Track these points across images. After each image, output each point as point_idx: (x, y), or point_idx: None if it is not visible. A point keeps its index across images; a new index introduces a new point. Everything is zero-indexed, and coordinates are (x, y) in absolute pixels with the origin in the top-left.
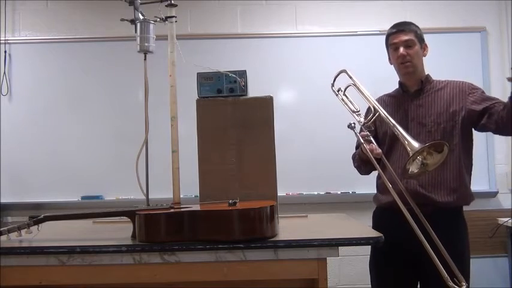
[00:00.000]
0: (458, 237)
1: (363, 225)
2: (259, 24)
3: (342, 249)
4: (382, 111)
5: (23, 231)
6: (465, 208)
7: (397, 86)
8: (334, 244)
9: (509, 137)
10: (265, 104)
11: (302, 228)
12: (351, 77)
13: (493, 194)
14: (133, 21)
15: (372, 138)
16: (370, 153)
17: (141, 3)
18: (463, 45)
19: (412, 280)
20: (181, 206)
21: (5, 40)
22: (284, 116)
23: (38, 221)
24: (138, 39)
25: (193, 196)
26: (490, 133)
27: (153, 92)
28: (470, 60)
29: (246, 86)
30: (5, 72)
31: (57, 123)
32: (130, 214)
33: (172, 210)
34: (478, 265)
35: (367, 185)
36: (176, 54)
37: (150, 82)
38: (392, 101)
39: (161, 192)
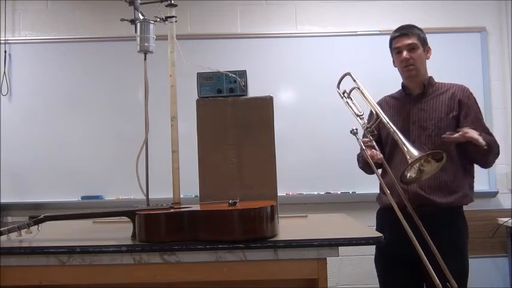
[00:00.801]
0: (459, 236)
1: (363, 225)
2: (259, 24)
3: (342, 249)
4: (384, 117)
5: (23, 231)
6: (465, 208)
7: (397, 86)
8: (334, 244)
9: (509, 137)
10: (265, 104)
11: (302, 228)
12: (354, 80)
13: (493, 194)
14: (133, 21)
15: (374, 143)
16: (371, 159)
17: (141, 3)
18: (463, 45)
19: (418, 278)
20: (181, 206)
21: (5, 40)
22: (284, 116)
23: (38, 221)
24: (138, 39)
25: (193, 196)
26: None
27: (153, 92)
28: (470, 60)
29: (246, 86)
30: (5, 72)
31: (57, 123)
32: (130, 214)
33: (172, 210)
34: (478, 265)
35: (367, 185)
36: (176, 54)
37: (150, 82)
38: (395, 103)
39: (161, 192)
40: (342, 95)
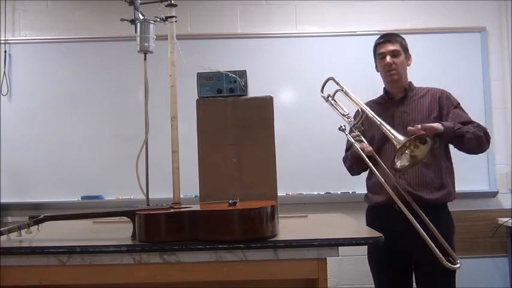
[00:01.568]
0: (445, 227)
1: (362, 225)
2: (259, 24)
3: (342, 249)
4: (369, 112)
5: (23, 231)
6: (465, 208)
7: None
8: (334, 244)
9: (509, 137)
10: (265, 104)
11: (302, 228)
12: (338, 83)
13: (493, 194)
14: (133, 21)
15: (362, 138)
16: (361, 151)
17: (141, 3)
18: (463, 45)
19: (408, 275)
20: (181, 206)
21: (5, 40)
22: (284, 116)
23: (38, 221)
24: (138, 39)
25: (193, 196)
26: (490, 133)
27: (153, 92)
28: (470, 60)
29: (246, 86)
30: (5, 72)
31: (57, 123)
32: (130, 214)
33: (172, 210)
34: (478, 265)
35: None
36: (176, 54)
37: (150, 82)
38: (377, 107)
39: (161, 192)
40: (326, 99)
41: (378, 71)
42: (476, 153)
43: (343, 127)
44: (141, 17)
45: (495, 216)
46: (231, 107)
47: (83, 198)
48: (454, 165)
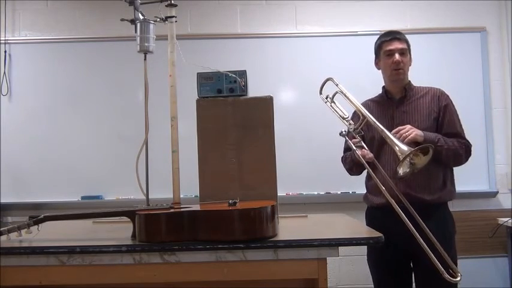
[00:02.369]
0: (445, 229)
1: (363, 225)
2: (259, 24)
3: (342, 249)
4: (371, 117)
5: (23, 231)
6: (465, 208)
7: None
8: (334, 244)
9: (509, 137)
10: (265, 104)
11: (302, 228)
12: (337, 85)
13: (493, 194)
14: (133, 21)
15: (363, 143)
16: (362, 158)
17: (141, 3)
18: (463, 45)
19: (408, 275)
20: (181, 206)
21: (5, 40)
22: (284, 116)
23: (38, 221)
24: (138, 39)
25: (193, 196)
26: (490, 133)
27: (153, 92)
28: (470, 60)
29: (246, 86)
30: (5, 72)
31: (57, 123)
32: (130, 214)
33: (172, 210)
34: (478, 265)
35: None
36: (176, 54)
37: (150, 82)
38: (376, 107)
39: (161, 192)
40: (326, 100)
41: (378, 68)
42: (450, 166)
43: (344, 132)
44: (141, 17)
45: (495, 216)
46: (231, 107)
47: (83, 198)
48: None
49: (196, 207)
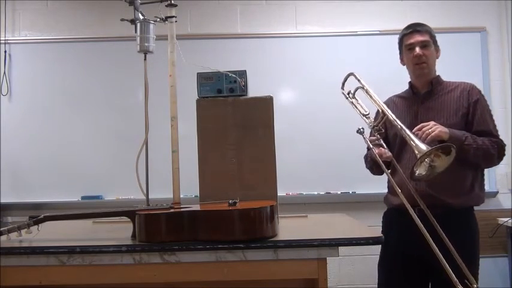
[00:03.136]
0: (469, 237)
1: (362, 225)
2: (259, 24)
3: (342, 249)
4: (390, 114)
5: (23, 231)
6: None
7: (398, 87)
8: (334, 244)
9: (510, 137)
10: (265, 104)
11: (302, 228)
12: (359, 80)
13: (493, 194)
14: (133, 21)
15: (382, 141)
16: (379, 157)
17: (141, 3)
18: (463, 45)
19: (423, 281)
20: (181, 206)
21: (5, 40)
22: (284, 116)
23: (38, 221)
24: (138, 39)
25: (193, 196)
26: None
27: (153, 92)
28: (470, 60)
29: (246, 86)
30: (5, 72)
31: (57, 123)
32: (130, 214)
33: (172, 210)
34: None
35: (367, 185)
36: (176, 54)
37: (150, 82)
38: (402, 102)
39: (161, 192)
40: (347, 96)
41: (403, 65)
42: (481, 167)
43: (362, 129)
44: (141, 17)
45: (495, 216)
46: (231, 107)
47: (83, 198)
48: None
49: (196, 207)
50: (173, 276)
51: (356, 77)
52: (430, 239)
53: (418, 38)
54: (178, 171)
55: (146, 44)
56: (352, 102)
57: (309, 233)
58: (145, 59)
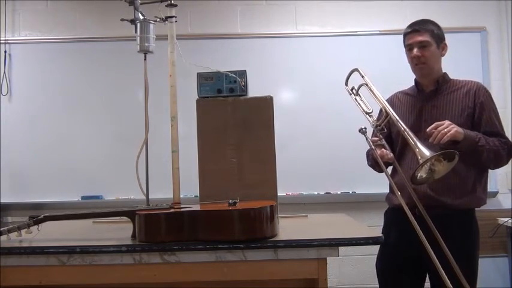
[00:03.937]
0: (469, 239)
1: (362, 225)
2: (259, 24)
3: (342, 249)
4: (393, 115)
5: (23, 231)
6: None
7: (398, 87)
8: (334, 244)
9: (510, 137)
10: (265, 104)
11: (302, 228)
12: (363, 76)
13: (493, 194)
14: (133, 21)
15: (384, 142)
16: (380, 159)
17: (141, 3)
18: (463, 45)
19: (421, 281)
20: (181, 206)
21: (5, 40)
22: (284, 116)
23: (38, 221)
24: (138, 39)
25: (193, 196)
26: None
27: (153, 92)
28: (470, 60)
29: (246, 86)
30: (5, 72)
31: (57, 123)
32: (130, 214)
33: (172, 210)
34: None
35: (367, 185)
36: (176, 54)
37: (150, 82)
38: (407, 100)
39: (161, 192)
40: (351, 92)
41: (409, 63)
42: (491, 168)
43: (364, 129)
44: (141, 17)
45: (495, 216)
46: (231, 107)
47: (83, 198)
48: None
49: (196, 207)
50: (173, 276)
51: (360, 73)
52: (426, 241)
53: (417, 38)
54: (178, 171)
55: (146, 44)
56: (355, 99)
57: (309, 233)
58: (145, 59)
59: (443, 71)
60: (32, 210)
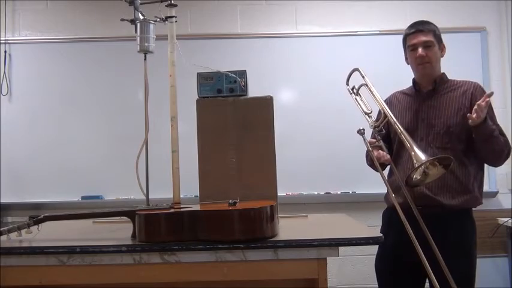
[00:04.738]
0: (465, 238)
1: (362, 225)
2: (259, 24)
3: (342, 249)
4: (391, 117)
5: (23, 231)
6: None
7: (398, 87)
8: (334, 244)
9: (510, 137)
10: (265, 104)
11: (302, 228)
12: (363, 77)
13: (493, 194)
14: (133, 21)
15: (381, 143)
16: (376, 161)
17: (141, 3)
18: (463, 45)
19: (420, 281)
20: (181, 206)
21: (5, 40)
22: (284, 116)
23: (38, 221)
24: (138, 39)
25: (193, 196)
26: None
27: (153, 92)
28: (470, 60)
29: (246, 86)
30: (5, 72)
31: (57, 123)
32: (130, 214)
33: (172, 210)
34: (478, 265)
35: (367, 185)
36: (176, 54)
37: (150, 82)
38: (405, 99)
39: (161, 192)
40: (351, 91)
41: (408, 64)
42: (489, 164)
43: (362, 130)
44: (141, 17)
45: (495, 216)
46: (231, 107)
47: (83, 198)
48: None
49: (196, 207)
50: (173, 276)
51: (361, 73)
52: (417, 242)
53: (421, 38)
54: (178, 171)
55: (146, 44)
56: (355, 99)
57: (309, 233)
58: (145, 59)
59: (442, 71)
60: (32, 210)
